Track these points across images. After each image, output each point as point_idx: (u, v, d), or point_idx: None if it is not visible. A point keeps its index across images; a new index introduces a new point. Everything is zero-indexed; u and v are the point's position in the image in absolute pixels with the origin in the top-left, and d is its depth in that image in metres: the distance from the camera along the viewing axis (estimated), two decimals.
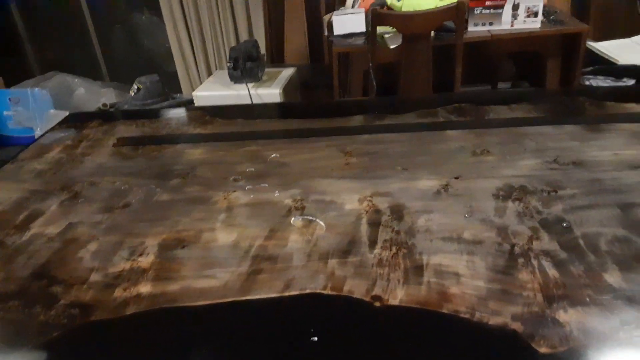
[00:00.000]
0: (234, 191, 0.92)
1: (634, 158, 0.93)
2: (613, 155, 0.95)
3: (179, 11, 3.17)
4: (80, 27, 3.54)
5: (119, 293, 0.70)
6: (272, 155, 1.05)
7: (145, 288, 0.70)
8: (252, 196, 0.91)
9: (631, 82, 2.40)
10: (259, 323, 0.64)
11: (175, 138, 1.17)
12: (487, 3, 1.98)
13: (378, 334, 0.61)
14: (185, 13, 3.19)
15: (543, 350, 0.56)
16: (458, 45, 1.94)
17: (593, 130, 1.05)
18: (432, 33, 2.02)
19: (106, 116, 1.50)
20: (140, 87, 2.53)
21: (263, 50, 3.13)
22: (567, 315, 0.60)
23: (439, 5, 1.95)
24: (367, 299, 0.65)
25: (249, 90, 2.34)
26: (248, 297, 0.67)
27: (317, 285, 0.68)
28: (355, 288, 0.67)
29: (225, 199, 0.90)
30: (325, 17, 2.44)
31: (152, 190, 0.95)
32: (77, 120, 1.33)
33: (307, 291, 0.67)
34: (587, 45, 2.49)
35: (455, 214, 0.81)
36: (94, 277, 0.74)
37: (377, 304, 0.64)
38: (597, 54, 2.52)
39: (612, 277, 0.65)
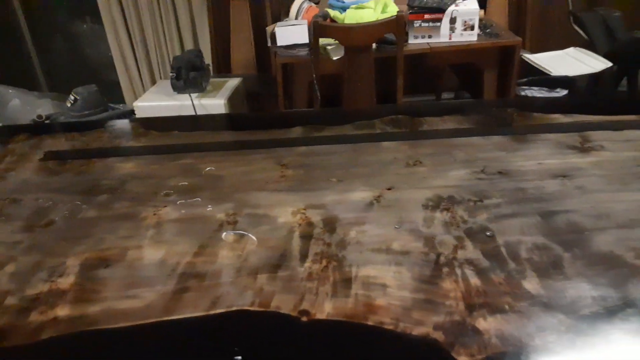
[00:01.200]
0: (165, 206, 0.90)
1: (556, 167, 0.97)
2: (537, 165, 0.99)
3: (121, 19, 3.09)
4: (15, 36, 3.39)
5: (35, 317, 0.66)
6: (207, 169, 1.03)
7: (63, 311, 0.67)
8: (183, 211, 0.89)
9: (564, 92, 2.53)
10: (182, 344, 0.63)
11: (106, 151, 1.13)
12: (426, 16, 2.04)
13: (303, 350, 0.61)
14: (127, 22, 3.12)
15: (462, 358, 0.57)
16: (399, 57, 1.98)
17: (519, 140, 1.09)
18: (374, 45, 2.06)
19: (35, 129, 1.43)
20: (78, 97, 2.44)
21: (209, 60, 3.09)
22: (487, 323, 0.62)
23: (380, 18, 2.00)
24: (294, 313, 0.65)
25: (192, 100, 2.31)
26: (172, 317, 0.65)
27: (244, 301, 0.67)
28: (283, 303, 0.66)
29: (154, 214, 0.88)
30: (269, 28, 2.44)
31: (77, 207, 0.91)
32: (2, 135, 1.27)
33: (234, 308, 0.66)
34: (523, 57, 2.61)
35: (386, 225, 0.82)
36: (9, 300, 0.70)
37: (304, 318, 0.64)
38: (532, 66, 2.64)
39: (530, 284, 0.68)
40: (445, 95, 3.51)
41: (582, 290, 0.66)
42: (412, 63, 2.25)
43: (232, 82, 2.60)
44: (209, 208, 0.89)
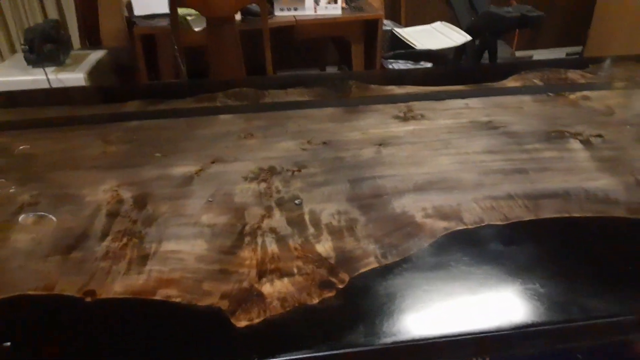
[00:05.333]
0: None
1: (377, 136, 1.02)
2: (360, 135, 1.03)
3: None
4: None
5: None
6: (21, 147, 0.96)
7: None
8: None
9: (428, 65, 2.67)
10: None
11: None
12: None
13: (86, 331, 0.59)
14: None
15: (241, 323, 0.59)
16: (264, 29, 1.96)
17: (352, 112, 1.14)
18: (239, 16, 2.02)
19: None
20: None
21: (74, 32, 2.87)
22: (272, 287, 0.64)
23: None
24: (79, 295, 0.63)
25: (46, 75, 2.13)
26: None
27: (29, 286, 0.64)
28: (69, 285, 0.64)
29: None
30: None
31: None
32: None
33: (16, 294, 0.63)
34: (393, 31, 2.71)
35: (200, 199, 0.82)
36: None
37: (89, 299, 0.62)
38: (401, 39, 2.75)
39: (323, 248, 0.71)
40: (329, 69, 3.57)
41: (367, 250, 0.71)
42: (288, 36, 2.25)
43: (96, 55, 2.43)
44: (12, 190, 0.83)
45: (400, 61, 2.56)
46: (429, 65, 2.66)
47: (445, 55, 2.84)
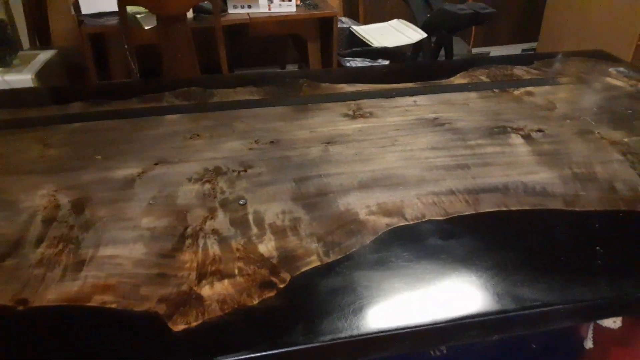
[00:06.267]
0: None
1: (324, 135, 1.02)
2: (309, 133, 1.03)
3: None
4: None
5: None
6: None
7: None
8: None
9: (385, 62, 2.69)
10: None
11: None
12: None
13: (18, 340, 0.57)
14: None
15: (178, 327, 0.58)
16: (217, 27, 1.94)
17: (301, 110, 1.14)
18: (191, 14, 1.99)
19: None
20: None
21: (24, 32, 2.78)
22: (212, 290, 0.63)
23: None
24: (11, 303, 0.61)
25: None
26: None
27: None
28: (1, 294, 0.62)
29: None
30: None
31: None
32: None
33: None
34: (350, 28, 2.73)
35: (141, 202, 0.80)
36: None
37: (21, 307, 0.60)
38: (358, 37, 2.77)
39: (266, 248, 0.71)
40: (289, 67, 3.55)
41: (310, 248, 0.71)
42: (244, 34, 2.22)
43: (45, 56, 2.35)
44: None
45: (357, 59, 2.58)
46: (386, 62, 2.69)
47: (403, 52, 2.88)
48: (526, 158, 0.94)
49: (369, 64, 2.59)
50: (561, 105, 1.15)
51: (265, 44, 3.17)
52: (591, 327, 0.90)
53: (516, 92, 1.22)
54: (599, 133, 1.03)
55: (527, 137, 1.01)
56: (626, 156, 0.94)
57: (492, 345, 1.12)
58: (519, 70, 1.37)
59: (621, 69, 1.40)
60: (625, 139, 1.01)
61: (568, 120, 1.08)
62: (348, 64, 2.55)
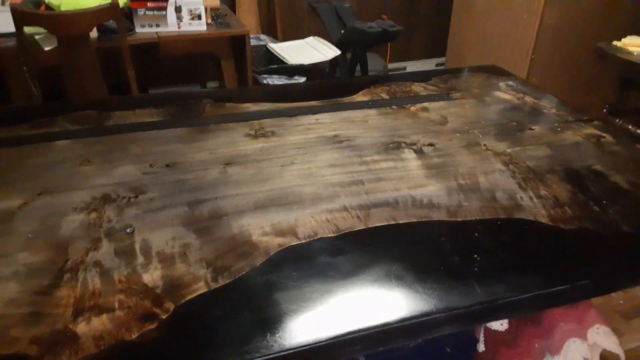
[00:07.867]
0: None
1: (224, 156, 1.02)
2: (209, 155, 1.02)
3: None
4: None
5: None
6: None
7: None
8: None
9: (302, 79, 2.73)
10: None
11: None
12: (149, 4, 1.98)
13: None
14: None
15: None
16: (123, 47, 1.88)
17: (202, 131, 1.12)
18: (96, 34, 1.92)
19: None
20: None
21: None
22: (88, 326, 0.61)
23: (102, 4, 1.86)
24: None
25: None
26: None
27: None
28: None
29: None
30: None
31: None
32: None
33: None
34: (267, 46, 2.75)
35: (19, 236, 0.76)
36: None
37: None
38: (275, 55, 2.80)
39: (151, 277, 0.69)
40: (210, 85, 3.51)
41: (198, 275, 0.70)
42: (155, 53, 2.17)
43: None
44: None
45: (274, 76, 2.59)
46: (303, 79, 2.73)
47: (322, 68, 2.93)
48: (416, 172, 0.98)
49: (286, 81, 2.62)
50: (453, 120, 1.22)
51: (184, 62, 3.12)
52: (482, 330, 0.95)
53: (412, 108, 1.28)
54: (485, 145, 1.09)
55: (418, 152, 1.05)
56: (508, 166, 1.01)
57: (406, 352, 1.15)
58: (417, 87, 1.43)
59: (510, 82, 1.50)
60: (509, 150, 1.08)
61: (458, 134, 1.14)
62: (265, 82, 2.56)
